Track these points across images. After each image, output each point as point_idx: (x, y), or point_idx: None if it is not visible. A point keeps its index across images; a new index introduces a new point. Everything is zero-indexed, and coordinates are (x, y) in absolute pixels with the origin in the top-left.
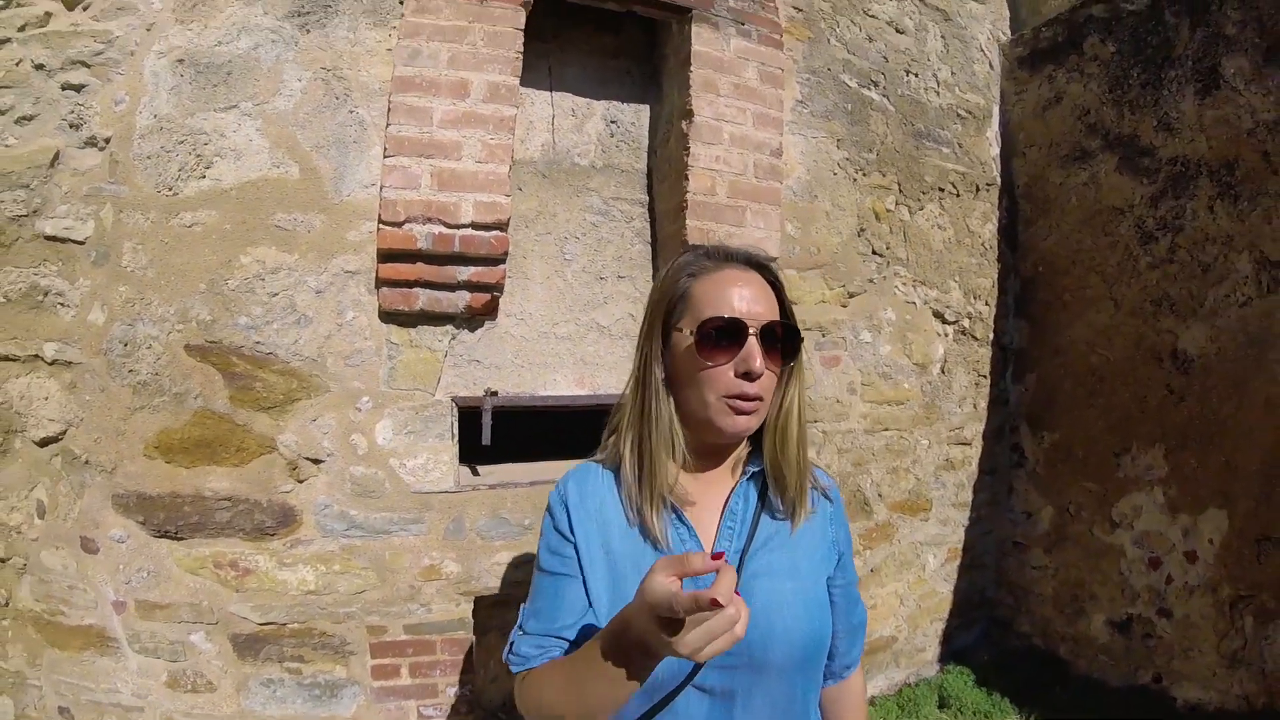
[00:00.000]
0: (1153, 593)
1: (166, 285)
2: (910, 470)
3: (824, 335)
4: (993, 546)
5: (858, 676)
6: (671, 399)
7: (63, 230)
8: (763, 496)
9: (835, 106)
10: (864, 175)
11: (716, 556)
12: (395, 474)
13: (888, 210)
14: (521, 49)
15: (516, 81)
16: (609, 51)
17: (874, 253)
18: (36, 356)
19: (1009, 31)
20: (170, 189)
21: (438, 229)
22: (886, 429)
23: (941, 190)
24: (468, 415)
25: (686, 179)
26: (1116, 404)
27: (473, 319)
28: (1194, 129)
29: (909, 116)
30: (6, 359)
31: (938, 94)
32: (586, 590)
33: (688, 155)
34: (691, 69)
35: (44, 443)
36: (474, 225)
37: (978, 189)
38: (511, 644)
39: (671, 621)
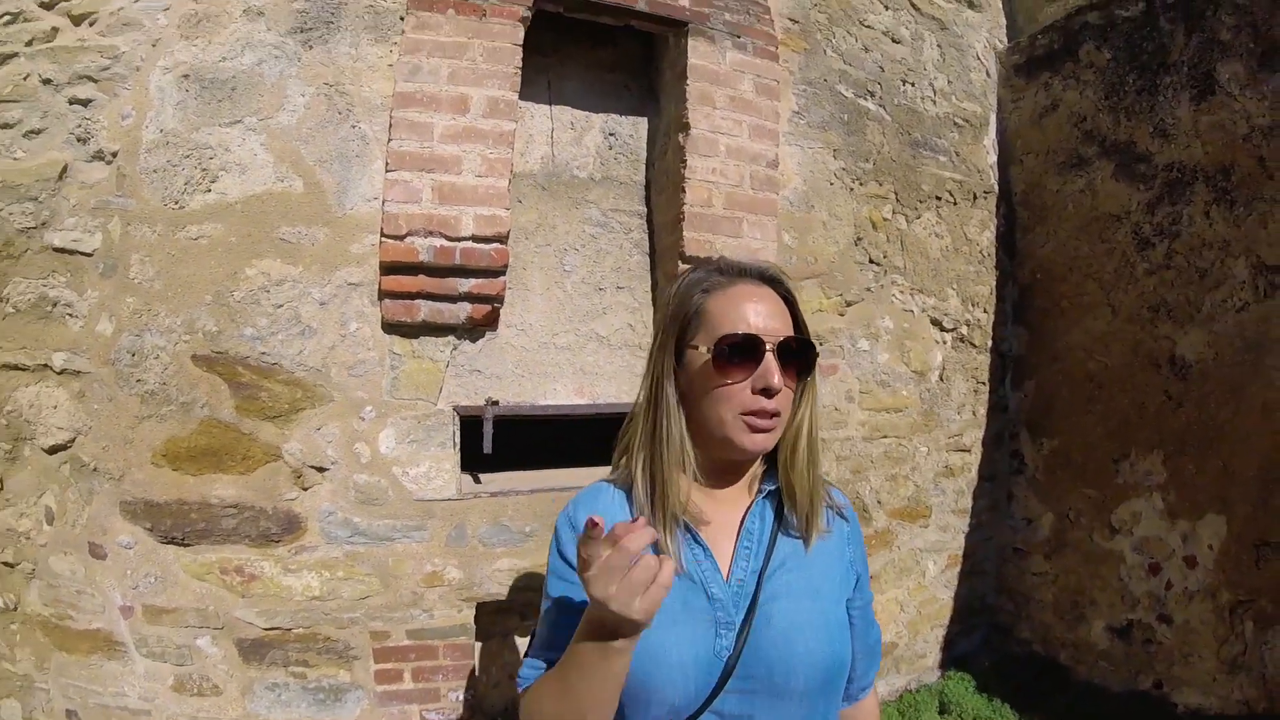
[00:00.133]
0: (1152, 598)
1: (173, 296)
2: (909, 477)
3: (821, 344)
4: (993, 553)
5: (872, 699)
6: (684, 417)
7: (71, 242)
8: (779, 516)
9: (831, 117)
10: (861, 185)
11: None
12: (398, 482)
13: (885, 219)
14: (520, 64)
15: (515, 97)
16: (607, 65)
17: (871, 261)
18: (45, 366)
19: (1005, 39)
20: (176, 202)
21: (439, 242)
22: (885, 436)
23: (939, 198)
24: (469, 424)
25: (684, 191)
26: (1115, 410)
27: (474, 330)
28: (1190, 135)
29: (906, 125)
30: (16, 368)
31: (934, 103)
32: None
33: (684, 167)
34: (688, 82)
35: (53, 450)
36: (474, 238)
37: (975, 197)
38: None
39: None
